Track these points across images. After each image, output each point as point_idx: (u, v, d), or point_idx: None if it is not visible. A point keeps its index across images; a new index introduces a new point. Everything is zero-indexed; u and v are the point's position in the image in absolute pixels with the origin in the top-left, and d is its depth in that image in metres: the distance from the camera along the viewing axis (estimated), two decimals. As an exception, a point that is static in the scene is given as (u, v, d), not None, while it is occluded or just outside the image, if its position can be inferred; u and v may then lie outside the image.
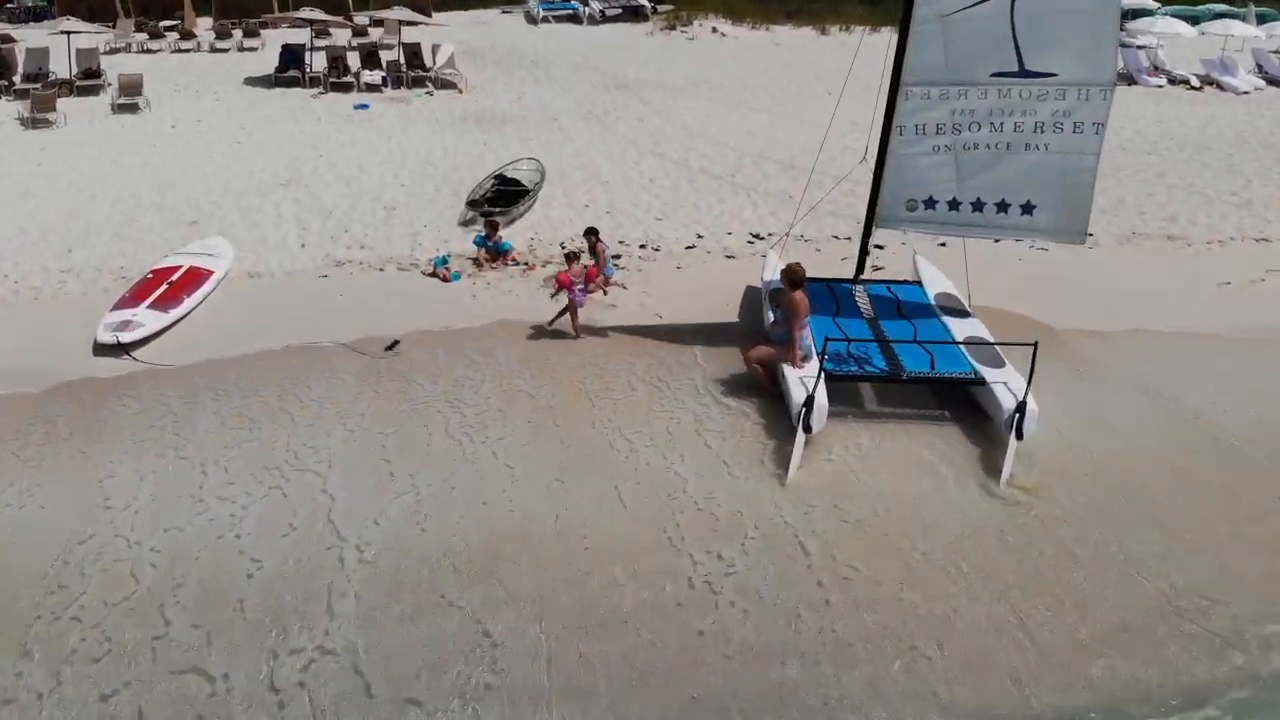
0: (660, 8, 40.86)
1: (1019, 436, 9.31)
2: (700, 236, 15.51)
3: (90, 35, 27.02)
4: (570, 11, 41.06)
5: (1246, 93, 31.08)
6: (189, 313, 11.84)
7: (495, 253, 13.98)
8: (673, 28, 38.04)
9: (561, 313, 11.97)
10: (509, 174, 17.36)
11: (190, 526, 8.13)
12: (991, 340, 10.64)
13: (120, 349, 10.84)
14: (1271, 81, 32.68)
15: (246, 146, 20.49)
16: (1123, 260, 14.85)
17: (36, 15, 43.76)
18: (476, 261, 13.88)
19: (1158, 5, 47.60)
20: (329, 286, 13.05)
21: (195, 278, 12.40)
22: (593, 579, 7.72)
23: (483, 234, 14.11)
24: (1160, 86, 31.02)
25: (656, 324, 12.19)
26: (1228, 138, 23.98)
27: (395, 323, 11.82)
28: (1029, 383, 9.39)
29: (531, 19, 40.82)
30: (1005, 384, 9.75)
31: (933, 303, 11.64)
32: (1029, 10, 9.93)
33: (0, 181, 17.58)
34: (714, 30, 38.05)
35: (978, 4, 10.09)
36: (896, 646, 7.16)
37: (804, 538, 8.26)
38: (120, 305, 11.56)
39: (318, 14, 28.95)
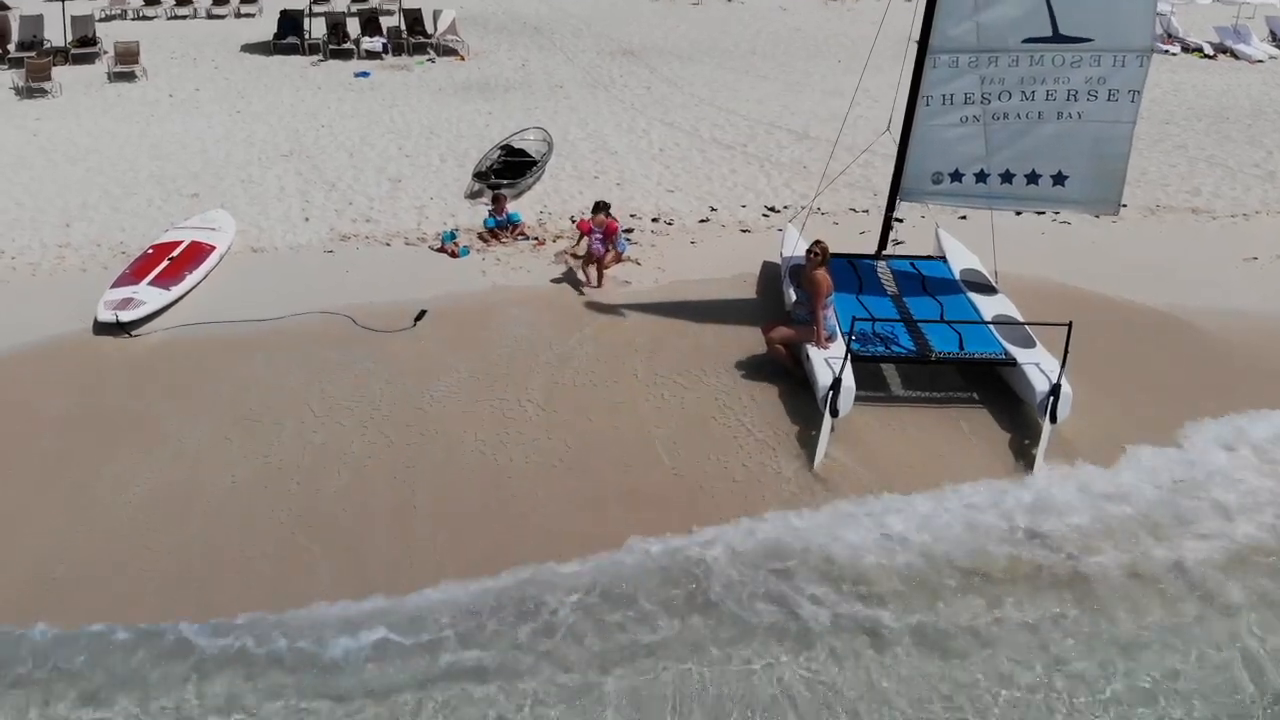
0: (665, -27, 40.01)
1: (1053, 420, 8.98)
2: (713, 209, 15.09)
3: (85, 1, 26.25)
4: (573, -23, 40.22)
5: (1261, 61, 30.47)
6: (191, 289, 11.45)
7: (507, 226, 13.57)
8: (677, -5, 37.28)
9: (584, 261, 12.02)
10: (516, 144, 16.89)
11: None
12: (1021, 319, 10.31)
13: (120, 328, 10.47)
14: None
15: (246, 116, 19.97)
16: (1148, 233, 14.48)
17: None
18: (482, 236, 13.48)
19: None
20: (341, 261, 12.65)
21: (197, 253, 12.01)
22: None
23: (491, 214, 13.66)
24: (1173, 54, 30.44)
25: (672, 301, 11.82)
26: (1245, 108, 23.47)
27: (405, 298, 11.46)
28: (1063, 364, 9.05)
29: (534, -13, 39.99)
30: (1037, 365, 9.41)
31: (958, 279, 11.27)
32: (1062, -29, 9.50)
33: (-5, 152, 17.14)
34: (719, -4, 37.30)
35: (1012, -33, 9.64)
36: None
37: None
38: (121, 282, 11.18)
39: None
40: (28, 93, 21.69)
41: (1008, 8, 9.80)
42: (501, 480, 8.55)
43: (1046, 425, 8.95)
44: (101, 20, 29.14)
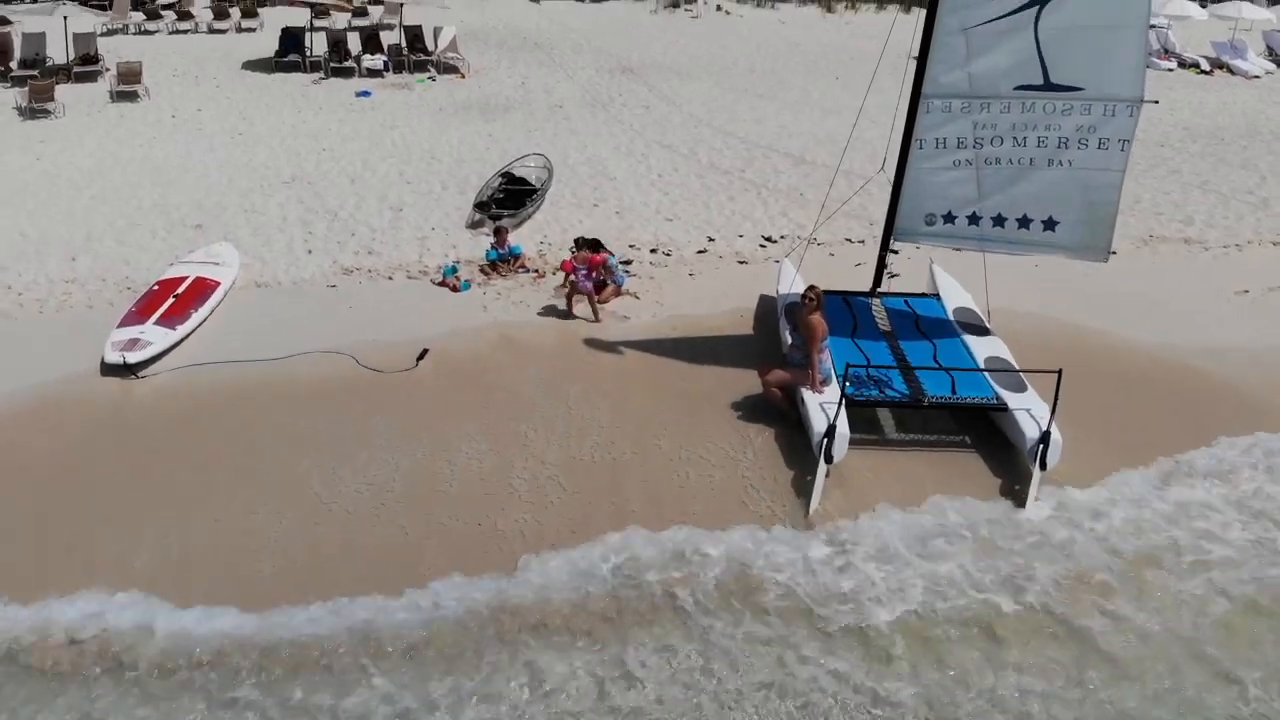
0: (663, -15, 40.28)
1: (1043, 467, 9.17)
2: (711, 239, 15.27)
3: (88, 16, 26.42)
4: (573, -12, 40.46)
5: (1257, 76, 30.70)
6: (197, 327, 11.63)
7: (509, 259, 13.76)
8: (676, 5, 37.53)
9: (570, 296, 12.36)
10: (516, 172, 17.08)
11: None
12: (1013, 360, 10.50)
13: (127, 369, 10.64)
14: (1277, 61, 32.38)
15: (248, 138, 20.17)
16: (1141, 264, 14.66)
17: (31, -9, 43.21)
18: (484, 269, 13.67)
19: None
20: (343, 295, 12.83)
21: (202, 289, 12.19)
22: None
23: (493, 247, 13.85)
24: (1170, 70, 30.65)
25: (670, 338, 12.00)
26: (1240, 128, 23.69)
27: (409, 337, 11.65)
28: (1053, 411, 9.24)
29: (532, -3, 40.24)
30: (1028, 411, 9.59)
31: (952, 319, 11.46)
32: (1055, 25, 9.67)
33: (1, 179, 17.29)
34: (718, 8, 37.54)
35: (1002, 18, 9.82)
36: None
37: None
38: (127, 321, 11.35)
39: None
40: (31, 113, 21.86)
41: (1000, 56, 9.98)
42: (495, 517, 8.72)
43: (1036, 472, 9.14)
44: (103, 35, 29.35)
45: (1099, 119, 9.81)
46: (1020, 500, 9.05)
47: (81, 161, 18.34)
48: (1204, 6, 35.33)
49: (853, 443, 9.46)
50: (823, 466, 9.13)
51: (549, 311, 12.67)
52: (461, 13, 35.88)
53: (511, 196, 16.05)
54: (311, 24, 27.97)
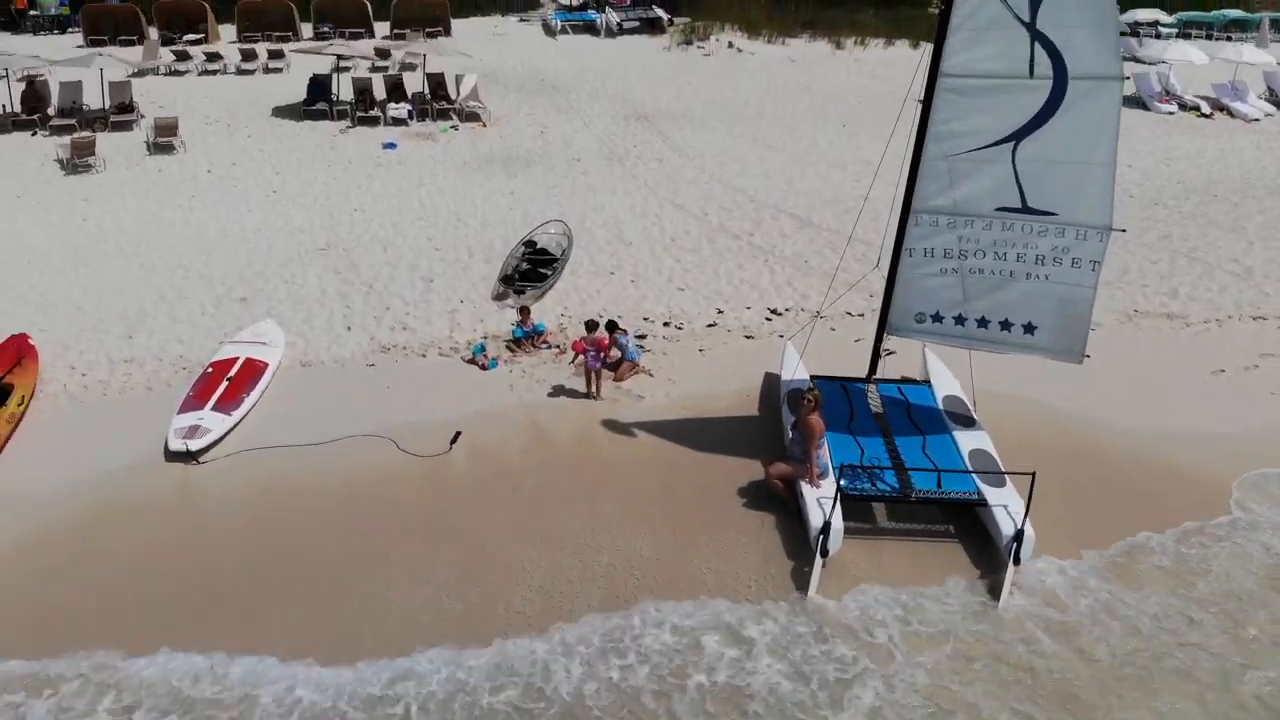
0: (677, 20, 41.40)
1: (1016, 562, 10.24)
2: (720, 311, 16.37)
3: (123, 66, 27.68)
4: (587, 21, 41.67)
5: (1257, 119, 31.64)
6: (249, 411, 12.78)
7: (532, 336, 14.89)
8: (689, 43, 38.63)
9: (590, 375, 13.49)
10: (538, 240, 18.21)
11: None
12: (994, 454, 11.57)
13: (189, 456, 11.81)
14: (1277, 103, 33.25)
15: (282, 196, 21.38)
16: (1123, 341, 15.65)
17: (60, 24, 44.52)
18: (509, 347, 14.80)
19: (1167, 15, 47.90)
20: (381, 375, 13.98)
21: (252, 372, 13.35)
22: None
23: (518, 324, 14.98)
24: (1171, 113, 31.60)
25: (681, 420, 13.09)
26: (1235, 180, 24.67)
27: (442, 417, 12.79)
28: (1027, 510, 10.30)
29: (549, 30, 41.45)
30: (1005, 507, 10.66)
31: (941, 408, 12.53)
32: (1031, 157, 10.73)
33: (51, 244, 18.52)
34: (730, 45, 38.64)
35: (981, 149, 10.89)
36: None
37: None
38: (186, 407, 12.51)
39: (342, 46, 29.45)
40: (72, 168, 23.11)
41: (982, 180, 11.05)
42: (516, 594, 9.83)
43: (1010, 567, 10.21)
44: (134, 75, 30.63)
45: (1072, 241, 10.87)
46: (996, 593, 10.12)
47: (126, 225, 19.56)
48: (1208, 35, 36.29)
49: (847, 531, 10.55)
50: (819, 560, 10.22)
51: (569, 391, 13.77)
52: (481, 51, 37.15)
53: (533, 265, 17.19)
54: (338, 66, 28.97)
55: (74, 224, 19.78)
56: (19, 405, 12.72)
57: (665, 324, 15.90)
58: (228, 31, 40.87)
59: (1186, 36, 47.95)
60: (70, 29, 43.97)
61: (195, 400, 12.68)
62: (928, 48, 11.25)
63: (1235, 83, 33.28)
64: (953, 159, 11.09)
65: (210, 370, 13.41)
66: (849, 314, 16.20)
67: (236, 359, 13.63)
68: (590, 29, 41.07)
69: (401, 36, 38.74)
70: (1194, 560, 10.75)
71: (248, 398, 12.87)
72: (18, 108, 27.50)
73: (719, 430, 12.84)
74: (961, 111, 10.86)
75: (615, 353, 13.99)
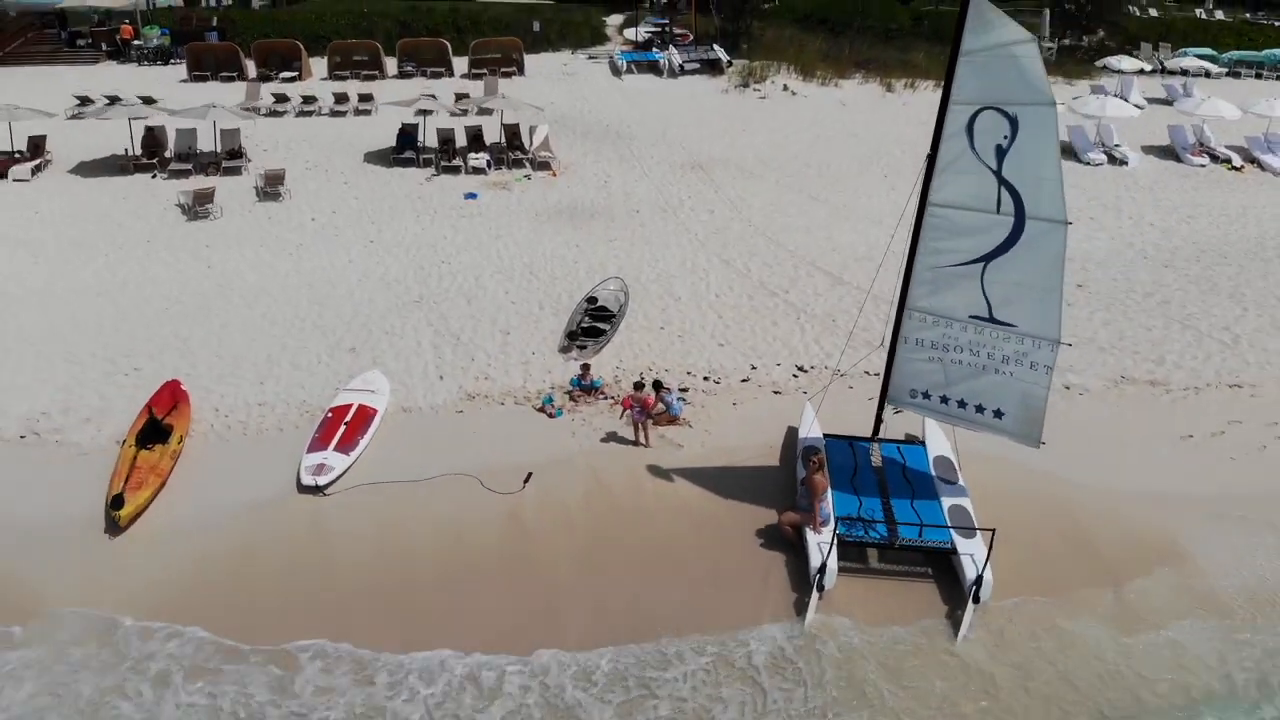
0: (736, 60, 44.05)
1: (976, 601, 12.85)
2: (754, 368, 19.10)
3: (233, 116, 31.20)
4: (651, 61, 44.52)
5: (1287, 173, 33.35)
6: (363, 451, 15.85)
7: (589, 389, 17.79)
8: (745, 85, 41.27)
9: (636, 428, 16.29)
10: (599, 296, 21.09)
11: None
12: (971, 510, 14.18)
13: (317, 489, 14.91)
14: (1315, 156, 34.81)
15: (378, 247, 24.57)
16: (1107, 406, 18.06)
17: (163, 56, 48.62)
18: (571, 396, 17.72)
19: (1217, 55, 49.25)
20: (470, 422, 16.99)
21: (364, 417, 16.43)
22: None
23: (578, 377, 17.90)
24: (1203, 166, 33.42)
25: (713, 468, 15.85)
26: (1249, 241, 26.65)
27: (523, 456, 15.76)
28: (987, 559, 12.92)
29: (615, 70, 44.37)
30: (971, 556, 13.27)
31: (931, 469, 15.14)
32: (995, 279, 13.28)
33: (183, 291, 21.86)
34: (784, 88, 41.21)
35: (958, 266, 13.49)
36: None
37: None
38: (313, 448, 15.61)
39: (427, 101, 32.52)
40: (193, 214, 26.58)
41: (958, 291, 13.63)
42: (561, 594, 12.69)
43: (970, 606, 12.82)
44: (239, 108, 34.20)
45: (1029, 348, 13.39)
46: (958, 627, 12.73)
47: (246, 274, 22.86)
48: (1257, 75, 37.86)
49: (843, 570, 13.28)
50: (815, 594, 12.94)
51: (620, 439, 16.59)
52: (551, 91, 40.37)
53: (594, 321, 20.09)
54: (424, 120, 32.13)
55: (201, 271, 23.15)
56: (178, 443, 15.96)
57: (705, 378, 18.68)
58: (319, 67, 44.62)
59: (1236, 76, 49.38)
60: (172, 60, 48.09)
61: (320, 442, 15.79)
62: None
63: (1269, 135, 35.00)
64: (937, 270, 13.72)
65: (330, 415, 16.52)
66: (867, 373, 18.75)
67: (351, 405, 16.73)
68: (654, 68, 43.91)
69: (479, 76, 42.16)
70: (1134, 605, 13.27)
71: (362, 439, 15.96)
72: (139, 151, 31.22)
73: (744, 479, 15.59)
74: (944, 233, 13.48)
75: (660, 406, 16.80)
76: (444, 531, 14.34)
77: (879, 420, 15.57)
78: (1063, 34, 50.61)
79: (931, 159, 13.40)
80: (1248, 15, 66.41)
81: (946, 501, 14.40)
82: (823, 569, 13.00)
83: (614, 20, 56.79)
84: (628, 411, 16.46)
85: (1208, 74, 48.48)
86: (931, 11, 55.63)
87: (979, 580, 12.88)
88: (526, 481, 15.37)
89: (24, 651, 12.26)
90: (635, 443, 16.46)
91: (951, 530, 13.73)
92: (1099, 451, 16.52)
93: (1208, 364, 19.58)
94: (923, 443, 15.88)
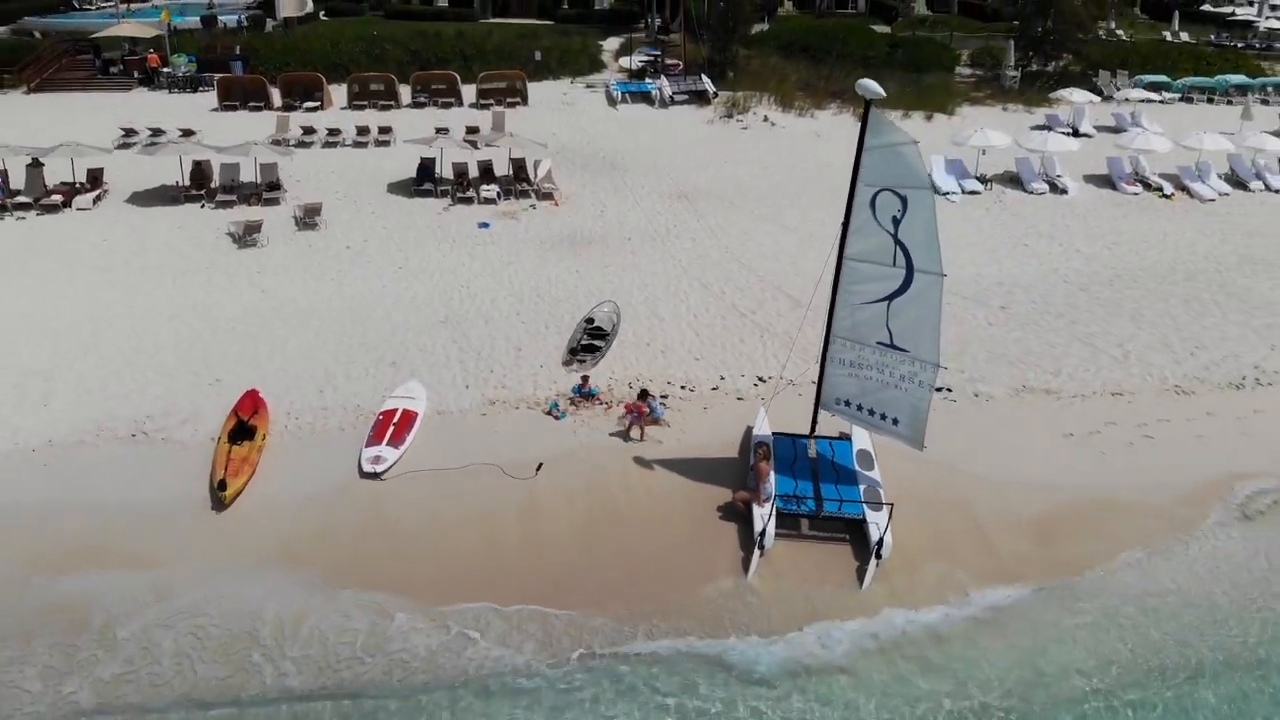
0: (721, 91, 48.60)
1: (878, 558, 17.38)
2: (722, 378, 23.62)
3: (272, 152, 35.73)
4: (644, 92, 49.09)
5: (1212, 200, 37.85)
6: (409, 445, 20.37)
7: (587, 396, 22.32)
8: (730, 116, 45.83)
9: (630, 426, 20.82)
10: (595, 318, 25.61)
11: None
12: (881, 487, 18.70)
13: (376, 476, 19.45)
14: (1238, 184, 39.37)
15: (406, 273, 29.10)
16: (1006, 410, 22.59)
17: (191, 84, 53.12)
18: (572, 402, 22.24)
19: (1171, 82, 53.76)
20: (491, 423, 21.52)
21: (408, 419, 20.95)
22: (640, 630, 16.14)
23: (579, 386, 22.45)
24: (1135, 194, 37.98)
25: (685, 459, 20.37)
26: (1162, 266, 31.15)
27: (534, 449, 20.30)
28: (887, 526, 17.46)
29: (611, 100, 48.93)
30: (877, 524, 17.80)
31: (854, 459, 19.68)
32: (896, 313, 17.74)
33: (245, 314, 26.34)
34: (765, 119, 45.76)
35: (868, 303, 18.01)
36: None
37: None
38: (369, 443, 20.12)
39: (443, 140, 37.05)
40: (243, 242, 31.09)
41: (869, 321, 18.12)
42: (563, 552, 17.20)
43: (873, 562, 17.35)
44: (270, 142, 38.76)
45: (919, 369, 17.89)
46: (863, 577, 17.26)
47: (297, 298, 27.37)
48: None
49: (780, 535, 17.82)
50: (757, 552, 17.47)
51: (614, 435, 21.13)
52: (552, 121, 44.95)
53: (591, 339, 24.60)
54: (441, 152, 36.65)
55: (256, 295, 27.66)
56: (262, 439, 20.48)
57: (682, 387, 23.21)
58: (338, 93, 49.12)
59: (1189, 101, 54.01)
60: (201, 88, 52.63)
61: (374, 438, 20.31)
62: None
63: (1199, 164, 39.55)
64: (853, 305, 18.24)
65: (380, 417, 21.04)
66: (813, 382, 23.22)
67: (396, 409, 21.24)
68: (647, 99, 48.46)
69: (486, 105, 46.77)
70: (1004, 568, 17.81)
71: (408, 436, 20.48)
72: (188, 182, 35.74)
73: (710, 467, 20.11)
74: (856, 279, 18.01)
75: (647, 409, 21.32)
76: (474, 508, 18.85)
77: (814, 421, 20.10)
78: (1028, 61, 55.05)
79: (846, 223, 17.93)
80: (1211, 37, 70.93)
81: (863, 484, 18.95)
82: (764, 533, 17.54)
83: (610, 45, 61.32)
84: (629, 414, 20.97)
85: (1161, 100, 53.10)
86: (908, 38, 60.12)
87: (880, 542, 17.42)
88: (538, 470, 19.88)
89: (168, 602, 16.66)
90: (629, 438, 20.95)
91: (863, 504, 18.27)
92: (994, 448, 21.04)
93: (1097, 375, 24.12)
94: (849, 439, 20.41)
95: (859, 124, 17.63)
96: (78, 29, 73.70)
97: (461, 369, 23.67)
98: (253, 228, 31.34)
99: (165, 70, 54.09)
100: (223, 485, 18.87)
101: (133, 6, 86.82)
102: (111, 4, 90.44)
